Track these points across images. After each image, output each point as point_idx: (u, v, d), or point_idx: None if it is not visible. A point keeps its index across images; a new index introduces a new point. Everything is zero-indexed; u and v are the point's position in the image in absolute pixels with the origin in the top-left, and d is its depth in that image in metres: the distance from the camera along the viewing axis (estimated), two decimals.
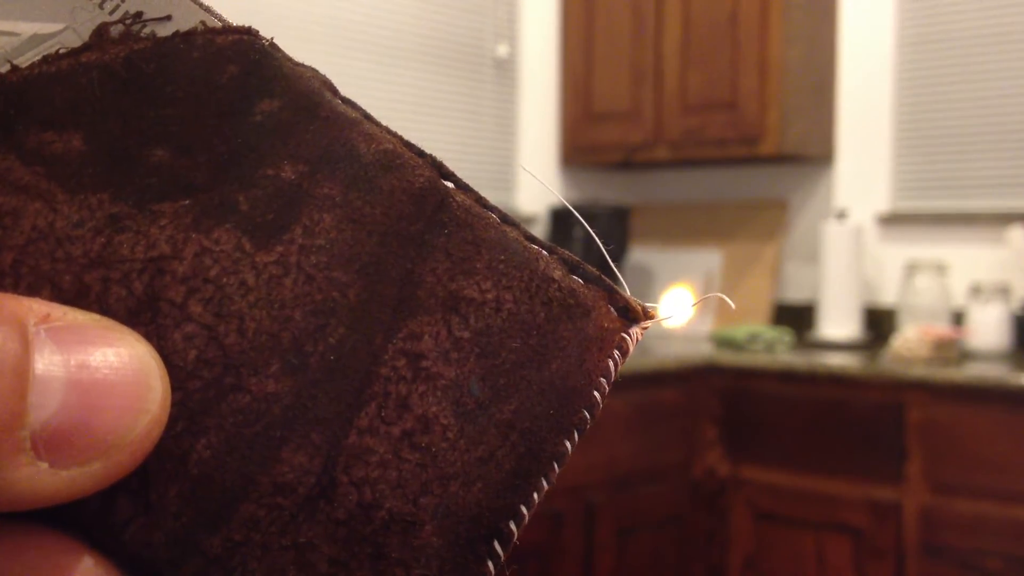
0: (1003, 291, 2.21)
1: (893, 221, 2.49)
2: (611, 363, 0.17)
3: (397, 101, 2.39)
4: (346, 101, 0.17)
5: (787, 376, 2.13)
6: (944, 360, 2.07)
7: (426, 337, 0.16)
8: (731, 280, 2.64)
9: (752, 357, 2.22)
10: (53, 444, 0.13)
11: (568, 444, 0.17)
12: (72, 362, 0.14)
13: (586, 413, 0.17)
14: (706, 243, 2.71)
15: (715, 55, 2.45)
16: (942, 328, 2.19)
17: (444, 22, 2.52)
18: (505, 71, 2.66)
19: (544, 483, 0.17)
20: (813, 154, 2.53)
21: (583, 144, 2.70)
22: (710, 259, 2.68)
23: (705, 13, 2.46)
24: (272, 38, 0.17)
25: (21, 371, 0.13)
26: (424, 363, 0.16)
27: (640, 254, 2.78)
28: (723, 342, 2.39)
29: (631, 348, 0.18)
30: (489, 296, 0.17)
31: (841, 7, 2.54)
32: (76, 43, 0.16)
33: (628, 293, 0.18)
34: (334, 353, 0.16)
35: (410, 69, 2.45)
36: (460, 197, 0.17)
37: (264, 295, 0.16)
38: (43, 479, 0.13)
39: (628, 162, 2.65)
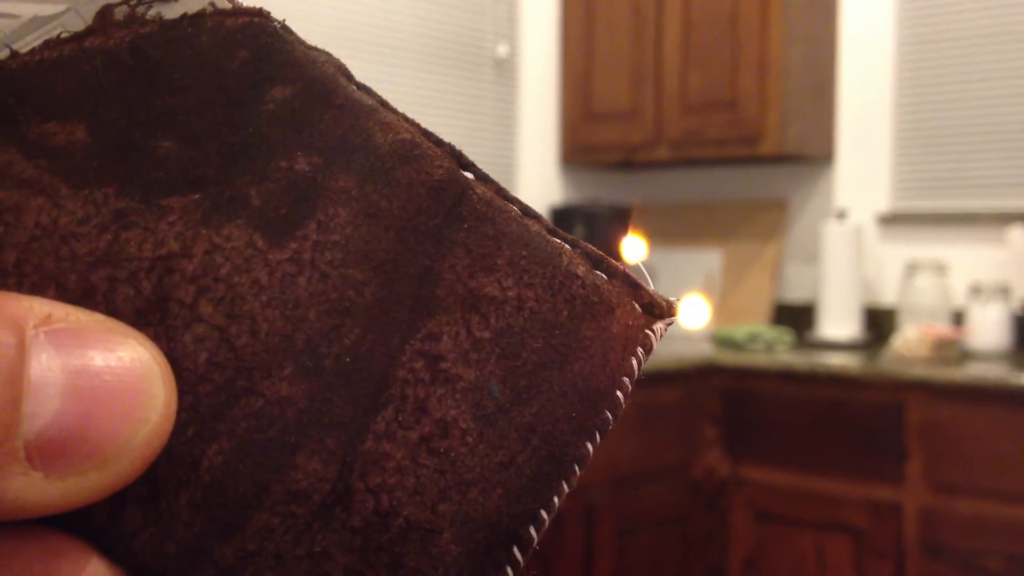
0: (1003, 291, 2.21)
1: (893, 221, 2.49)
2: (635, 362, 0.17)
3: (397, 101, 2.36)
4: (361, 87, 0.16)
5: (787, 376, 2.13)
6: (944, 360, 2.07)
7: (445, 337, 0.16)
8: (731, 280, 2.63)
9: (752, 357, 2.21)
10: (48, 453, 0.13)
11: (590, 446, 0.16)
12: (70, 367, 0.13)
13: (609, 414, 0.16)
14: (706, 243, 2.71)
15: (715, 55, 2.45)
16: (942, 328, 2.19)
17: (444, 22, 2.51)
18: (505, 71, 2.65)
19: (565, 487, 0.16)
20: (813, 154, 2.53)
21: (583, 144, 2.70)
22: (710, 259, 2.68)
23: (705, 13, 2.46)
24: (284, 20, 0.16)
25: (16, 377, 0.12)
26: (443, 364, 0.16)
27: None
28: (723, 342, 2.38)
29: (655, 345, 0.17)
30: (510, 294, 0.16)
31: (841, 7, 2.54)
32: (79, 25, 0.15)
33: (653, 288, 0.17)
34: (350, 355, 0.15)
35: (410, 69, 2.44)
36: (480, 189, 0.16)
37: (277, 294, 0.15)
38: (38, 489, 0.13)
39: (628, 162, 2.65)
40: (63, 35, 0.15)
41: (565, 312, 0.16)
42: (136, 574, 0.14)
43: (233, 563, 0.14)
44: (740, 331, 2.36)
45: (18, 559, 0.13)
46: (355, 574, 0.15)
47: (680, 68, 2.50)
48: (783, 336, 2.36)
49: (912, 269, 2.33)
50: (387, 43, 2.40)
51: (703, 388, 2.22)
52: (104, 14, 0.15)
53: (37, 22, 0.15)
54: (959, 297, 2.32)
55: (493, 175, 0.17)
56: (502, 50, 2.63)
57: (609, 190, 2.83)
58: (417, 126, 0.17)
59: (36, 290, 0.14)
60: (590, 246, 0.17)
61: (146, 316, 0.14)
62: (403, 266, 0.16)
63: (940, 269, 2.30)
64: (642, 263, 0.18)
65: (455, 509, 0.15)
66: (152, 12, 0.16)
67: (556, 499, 0.16)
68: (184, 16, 0.16)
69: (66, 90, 0.15)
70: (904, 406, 1.99)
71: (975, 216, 2.37)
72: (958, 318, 2.31)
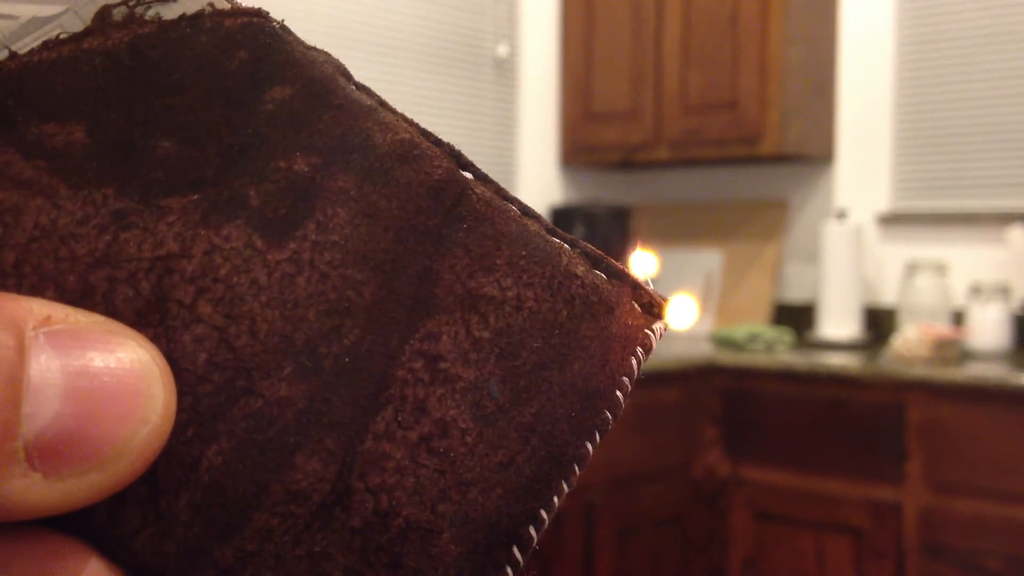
0: (1003, 291, 2.21)
1: (893, 221, 2.49)
2: (634, 361, 0.17)
3: (397, 101, 2.36)
4: (360, 87, 0.16)
5: (787, 376, 2.13)
6: (944, 360, 2.07)
7: (444, 337, 0.16)
8: (731, 280, 2.63)
9: (752, 357, 2.21)
10: (48, 455, 0.13)
11: (590, 446, 0.16)
12: (70, 368, 0.13)
13: (608, 414, 0.16)
14: (706, 243, 2.71)
15: (715, 55, 2.45)
16: (942, 328, 2.18)
17: (444, 22, 2.51)
18: (505, 71, 2.65)
19: (565, 487, 0.16)
20: (813, 154, 2.53)
21: (583, 144, 2.70)
22: (710, 259, 2.68)
23: (705, 13, 2.46)
24: (283, 20, 0.16)
25: (15, 379, 0.12)
26: (442, 364, 0.16)
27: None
28: (723, 342, 2.38)
29: (655, 345, 0.17)
30: (510, 294, 0.16)
31: (841, 7, 2.54)
32: (78, 26, 0.15)
33: (652, 288, 0.17)
34: (349, 355, 0.15)
35: (410, 69, 2.44)
36: (480, 189, 0.16)
37: (276, 294, 0.15)
38: (37, 490, 0.13)
39: (628, 162, 2.65)
40: (62, 36, 0.15)
41: (564, 312, 0.16)
42: (136, 574, 0.14)
43: (233, 563, 0.14)
44: (740, 331, 2.36)
45: (18, 560, 0.13)
46: (355, 574, 0.15)
47: (680, 68, 2.50)
48: (783, 336, 2.36)
49: (912, 269, 2.33)
50: (387, 43, 2.40)
51: (703, 388, 2.22)
52: (103, 15, 0.15)
53: (36, 23, 0.15)
54: (959, 297, 2.32)
55: (493, 175, 0.17)
56: (502, 50, 2.63)
57: (609, 190, 2.83)
58: (416, 126, 0.17)
59: (35, 291, 0.14)
60: (589, 246, 0.17)
61: (145, 317, 0.14)
62: (402, 266, 0.16)
63: (940, 269, 2.30)
64: (651, 278, 0.18)
65: (455, 509, 0.15)
66: (151, 13, 0.15)
67: (556, 499, 0.16)
68: (183, 16, 0.16)
69: (65, 91, 0.15)
70: (904, 406, 1.99)
71: (975, 216, 2.37)
72: (958, 318, 2.31)
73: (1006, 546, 1.89)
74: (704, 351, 2.31)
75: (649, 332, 0.17)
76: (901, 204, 2.49)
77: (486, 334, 0.16)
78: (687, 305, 0.18)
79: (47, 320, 0.13)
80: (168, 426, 0.14)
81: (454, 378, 0.16)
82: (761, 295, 2.59)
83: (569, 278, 0.16)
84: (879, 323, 2.44)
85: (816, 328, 2.43)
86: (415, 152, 0.16)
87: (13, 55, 0.15)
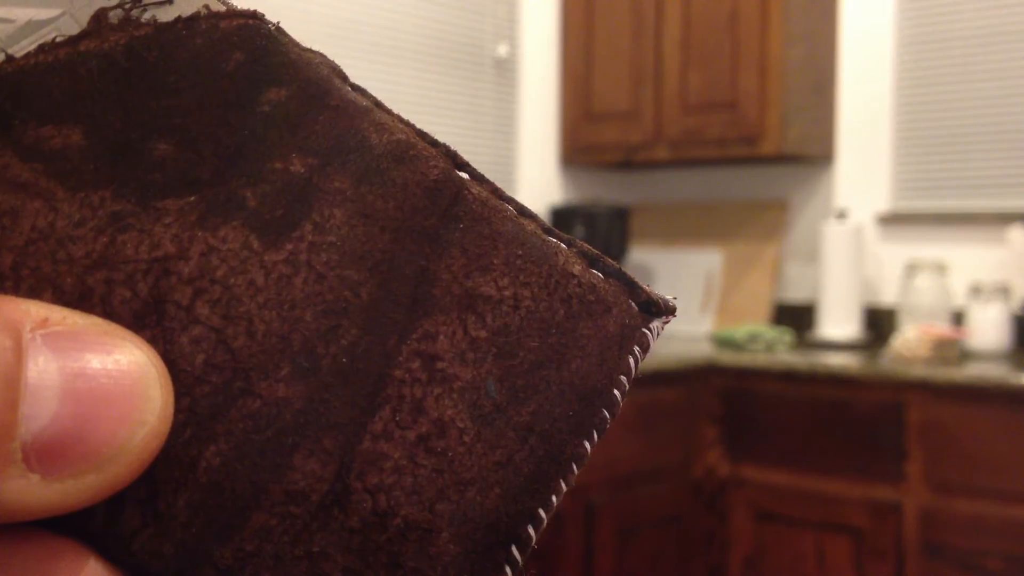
0: (1003, 291, 2.21)
1: (893, 221, 2.49)
2: (632, 360, 0.17)
3: (397, 101, 2.38)
4: (356, 88, 0.16)
5: (787, 376, 2.13)
6: (944, 360, 2.07)
7: (441, 337, 0.16)
8: (731, 280, 2.63)
9: (752, 357, 2.21)
10: (45, 456, 0.13)
11: (588, 445, 0.16)
12: (68, 370, 0.13)
13: (606, 413, 0.16)
14: (706, 243, 2.71)
15: (715, 55, 2.45)
16: (942, 328, 2.18)
17: (444, 22, 2.51)
18: (505, 71, 2.65)
19: (563, 485, 0.16)
20: (813, 154, 2.53)
21: (583, 144, 2.70)
22: (710, 259, 2.68)
23: (705, 13, 2.46)
24: (278, 22, 0.16)
25: (13, 380, 0.12)
26: (440, 364, 0.16)
27: (640, 254, 2.77)
28: (723, 342, 2.38)
29: (652, 344, 0.17)
30: (507, 293, 0.16)
31: (841, 7, 2.54)
32: (74, 29, 0.15)
33: (649, 287, 0.17)
34: (347, 355, 0.15)
35: (410, 69, 2.44)
36: (476, 189, 0.16)
37: (273, 295, 0.15)
38: (34, 491, 0.13)
39: (628, 162, 2.65)
40: (58, 39, 0.15)
41: (561, 311, 0.16)
42: (135, 575, 0.14)
43: (232, 564, 0.14)
44: (740, 331, 2.36)
45: (16, 561, 0.13)
46: (354, 574, 0.15)
47: (680, 68, 2.50)
48: (783, 336, 2.36)
49: (912, 269, 2.33)
50: (387, 43, 2.40)
51: (703, 388, 2.22)
52: (99, 17, 0.15)
53: (32, 26, 0.15)
54: (959, 297, 2.32)
55: (493, 175, 0.17)
56: (502, 50, 2.63)
57: (609, 190, 2.83)
58: (412, 126, 0.17)
59: (33, 293, 0.14)
60: (586, 245, 0.17)
61: (143, 318, 0.14)
62: (399, 266, 0.16)
63: (940, 269, 2.30)
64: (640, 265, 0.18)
65: (453, 509, 0.15)
66: (147, 15, 0.16)
67: (554, 498, 0.16)
68: (178, 19, 0.16)
69: (62, 93, 0.15)
70: (904, 406, 1.99)
71: (975, 216, 2.37)
72: (958, 318, 2.31)
73: (1006, 546, 1.89)
74: (704, 351, 2.31)
75: (646, 331, 0.17)
76: (901, 204, 2.49)
77: (483, 334, 0.16)
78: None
79: (45, 322, 0.13)
80: (166, 427, 0.14)
81: (452, 378, 0.16)
82: (761, 295, 2.59)
83: (566, 277, 0.16)
84: (879, 323, 2.44)
85: (816, 328, 2.43)
86: (411, 152, 0.16)
87: (10, 58, 0.15)
